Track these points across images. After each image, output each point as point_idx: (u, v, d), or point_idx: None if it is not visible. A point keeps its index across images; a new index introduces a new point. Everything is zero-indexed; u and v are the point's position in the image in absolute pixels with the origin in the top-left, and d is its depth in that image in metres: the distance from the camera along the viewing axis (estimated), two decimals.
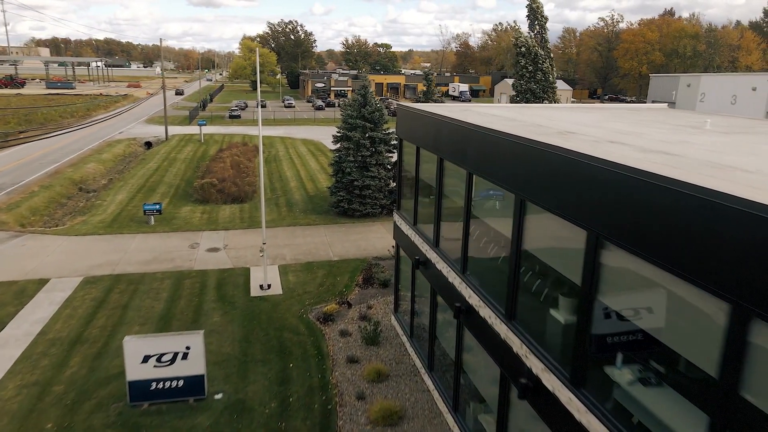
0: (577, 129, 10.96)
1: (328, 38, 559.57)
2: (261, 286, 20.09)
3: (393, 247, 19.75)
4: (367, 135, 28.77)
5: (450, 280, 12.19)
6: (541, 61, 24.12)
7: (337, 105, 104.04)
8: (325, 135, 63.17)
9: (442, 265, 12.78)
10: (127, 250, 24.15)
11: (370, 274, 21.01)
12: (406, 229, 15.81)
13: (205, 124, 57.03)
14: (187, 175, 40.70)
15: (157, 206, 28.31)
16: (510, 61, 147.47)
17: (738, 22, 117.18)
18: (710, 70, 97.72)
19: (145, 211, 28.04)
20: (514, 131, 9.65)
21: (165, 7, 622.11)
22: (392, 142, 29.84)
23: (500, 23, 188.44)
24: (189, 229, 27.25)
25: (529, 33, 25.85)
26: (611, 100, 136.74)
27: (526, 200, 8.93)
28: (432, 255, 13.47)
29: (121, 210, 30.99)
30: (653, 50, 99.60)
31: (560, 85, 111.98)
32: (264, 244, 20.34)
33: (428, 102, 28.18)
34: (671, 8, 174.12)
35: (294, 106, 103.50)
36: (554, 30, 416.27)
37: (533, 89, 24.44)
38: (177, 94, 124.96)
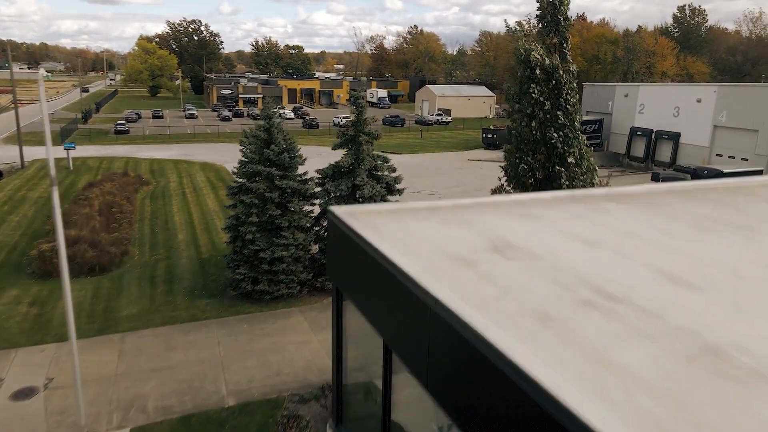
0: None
1: (237, 38, 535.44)
2: None
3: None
4: (275, 184, 20.26)
5: None
6: (565, 92, 14.52)
7: (246, 114, 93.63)
8: (231, 156, 53.39)
9: None
10: None
11: None
12: None
13: (73, 147, 45.56)
14: (33, 227, 30.09)
15: None
16: (428, 66, 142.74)
17: (658, 27, 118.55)
18: (629, 76, 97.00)
19: None
20: None
21: (56, 3, 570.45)
22: (313, 191, 21.57)
23: (415, 26, 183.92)
24: None
25: (537, 43, 14.44)
26: None
27: None
28: None
29: None
30: (575, 55, 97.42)
31: (483, 90, 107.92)
32: (48, 381, 11.40)
33: (359, 135, 20.05)
34: (583, 13, 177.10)
35: (196, 117, 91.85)
36: (461, 33, 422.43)
37: (549, 137, 13.86)
38: (82, 92, 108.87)
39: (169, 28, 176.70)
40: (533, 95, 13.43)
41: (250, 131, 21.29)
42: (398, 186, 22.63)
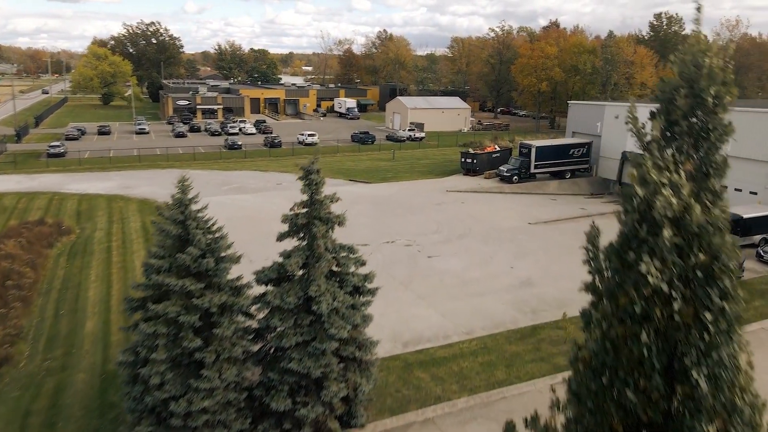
0: None
1: (203, 38, 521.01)
2: None
3: None
4: (194, 303, 13.99)
5: None
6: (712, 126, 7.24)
7: (204, 129, 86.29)
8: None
9: None
10: None
11: None
12: None
13: None
14: None
15: None
16: (399, 74, 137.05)
17: (638, 35, 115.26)
18: (608, 87, 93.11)
19: None
20: None
21: (14, 0, 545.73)
22: (253, 308, 15.39)
23: (384, 30, 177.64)
24: None
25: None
26: (504, 113, 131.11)
27: None
28: None
29: None
30: (553, 66, 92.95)
31: (457, 102, 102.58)
32: None
33: (314, 224, 13.86)
34: (556, 19, 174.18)
35: (148, 132, 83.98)
36: (430, 33, 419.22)
37: (683, 368, 7.04)
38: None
39: (125, 30, 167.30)
40: (649, 278, 6.34)
41: (159, 220, 14.86)
42: (369, 285, 16.54)
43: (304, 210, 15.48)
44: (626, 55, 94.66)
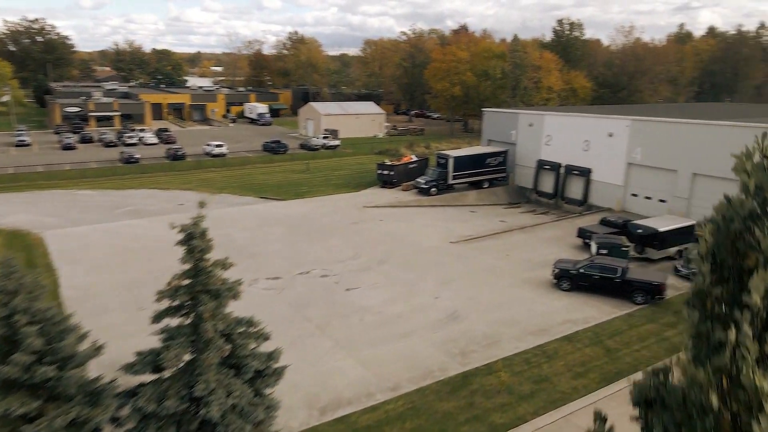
0: None
1: (103, 35, 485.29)
2: None
3: None
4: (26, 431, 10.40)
5: None
6: None
7: (97, 140, 78.50)
8: (63, 210, 40.81)
9: None
10: None
11: None
12: None
13: None
14: None
15: None
16: (311, 77, 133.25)
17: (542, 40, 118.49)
18: (518, 91, 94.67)
19: None
20: None
21: None
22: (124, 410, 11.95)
23: (296, 31, 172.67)
24: None
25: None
26: (418, 116, 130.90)
27: None
28: None
29: None
30: (465, 70, 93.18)
31: (371, 107, 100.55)
32: None
33: (200, 299, 10.59)
34: (465, 23, 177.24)
35: (29, 144, 75.17)
36: (341, 33, 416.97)
37: None
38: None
39: (6, 28, 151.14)
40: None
41: None
42: (275, 365, 13.56)
43: (187, 282, 12.25)
44: (533, 59, 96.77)
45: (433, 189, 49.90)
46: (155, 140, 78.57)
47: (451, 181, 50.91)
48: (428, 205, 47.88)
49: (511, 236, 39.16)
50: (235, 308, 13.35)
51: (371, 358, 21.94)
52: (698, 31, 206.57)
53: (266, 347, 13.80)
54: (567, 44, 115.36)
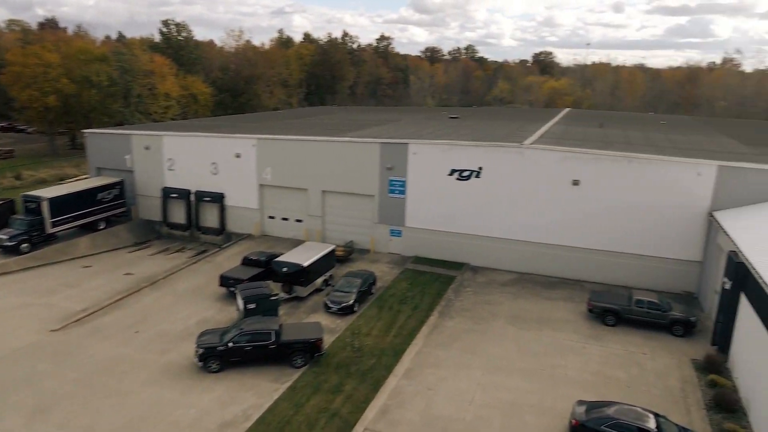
0: None
1: None
2: None
3: None
4: None
5: None
6: None
7: None
8: None
9: None
10: None
11: None
12: None
13: None
14: None
15: None
16: None
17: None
18: (131, 100, 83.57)
19: None
20: None
21: None
22: None
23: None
24: None
25: None
26: (5, 131, 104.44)
27: None
28: None
29: None
30: (59, 76, 76.56)
31: None
32: None
33: None
34: (53, 17, 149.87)
35: None
36: None
37: None
38: None
39: None
40: None
41: None
42: None
43: None
44: (143, 64, 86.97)
45: (25, 245, 37.47)
46: None
47: (50, 230, 39.25)
48: (18, 270, 35.53)
49: (140, 298, 31.40)
50: None
51: None
52: (297, 36, 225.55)
53: None
54: (179, 47, 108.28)
